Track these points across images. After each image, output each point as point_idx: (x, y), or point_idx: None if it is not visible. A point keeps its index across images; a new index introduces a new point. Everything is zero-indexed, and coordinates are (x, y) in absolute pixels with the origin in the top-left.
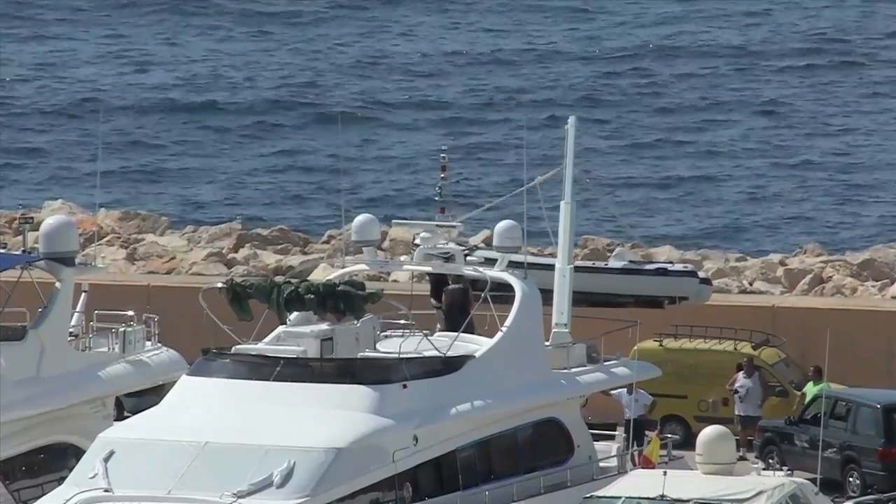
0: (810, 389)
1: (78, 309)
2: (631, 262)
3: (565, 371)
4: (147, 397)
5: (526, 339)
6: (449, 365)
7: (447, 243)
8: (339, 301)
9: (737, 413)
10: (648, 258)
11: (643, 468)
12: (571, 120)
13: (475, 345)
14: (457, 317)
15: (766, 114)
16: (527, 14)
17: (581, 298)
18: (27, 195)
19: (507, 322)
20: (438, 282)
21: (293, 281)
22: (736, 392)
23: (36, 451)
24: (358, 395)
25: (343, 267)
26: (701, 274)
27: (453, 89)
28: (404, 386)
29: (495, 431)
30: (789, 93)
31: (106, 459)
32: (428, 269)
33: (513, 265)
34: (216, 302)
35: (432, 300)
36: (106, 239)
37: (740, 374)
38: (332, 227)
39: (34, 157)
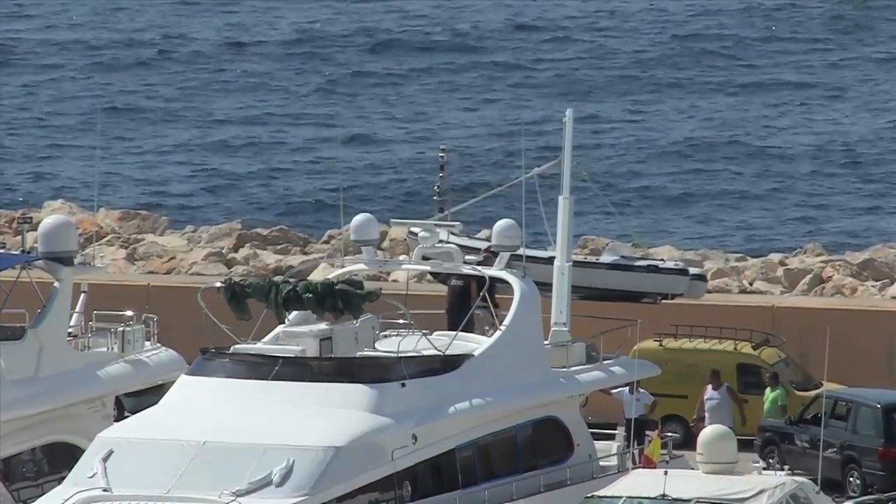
0: (768, 396)
1: (77, 309)
2: (623, 257)
3: (564, 370)
4: (146, 397)
5: (525, 337)
6: (448, 364)
7: (446, 242)
8: (338, 300)
9: (706, 426)
10: (648, 256)
11: (644, 468)
12: (569, 113)
13: (474, 343)
14: (455, 314)
15: (769, 113)
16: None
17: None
18: None
19: (506, 321)
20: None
21: (291, 280)
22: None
23: (35, 450)
24: (357, 393)
25: (342, 266)
26: (694, 270)
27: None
28: (403, 385)
29: (494, 430)
30: (792, 93)
31: (105, 459)
32: (427, 268)
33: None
34: (215, 301)
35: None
36: (106, 239)
37: (708, 387)
38: (331, 227)
39: None
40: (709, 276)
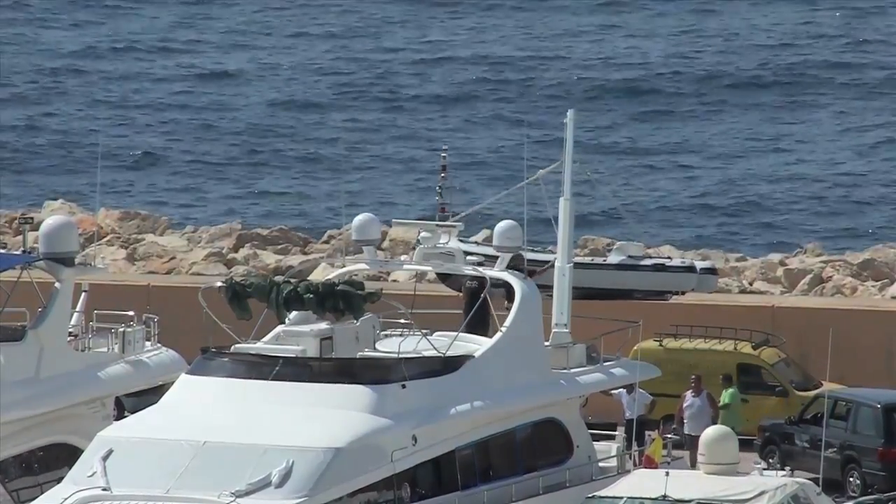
0: (723, 396)
1: (78, 309)
2: (630, 257)
3: (565, 371)
4: (147, 397)
5: (525, 339)
6: (448, 365)
7: (447, 243)
8: (339, 300)
9: (686, 432)
10: (655, 254)
11: (645, 468)
12: (570, 114)
13: (475, 345)
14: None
15: (769, 114)
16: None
17: (581, 294)
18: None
19: (507, 322)
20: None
21: (292, 280)
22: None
23: (35, 451)
24: (357, 394)
25: (343, 266)
26: (702, 265)
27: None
28: (403, 386)
29: (494, 431)
30: (793, 92)
31: (104, 458)
32: (427, 268)
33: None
34: (216, 301)
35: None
36: (106, 239)
37: (688, 393)
38: (331, 227)
39: None
40: (712, 266)
